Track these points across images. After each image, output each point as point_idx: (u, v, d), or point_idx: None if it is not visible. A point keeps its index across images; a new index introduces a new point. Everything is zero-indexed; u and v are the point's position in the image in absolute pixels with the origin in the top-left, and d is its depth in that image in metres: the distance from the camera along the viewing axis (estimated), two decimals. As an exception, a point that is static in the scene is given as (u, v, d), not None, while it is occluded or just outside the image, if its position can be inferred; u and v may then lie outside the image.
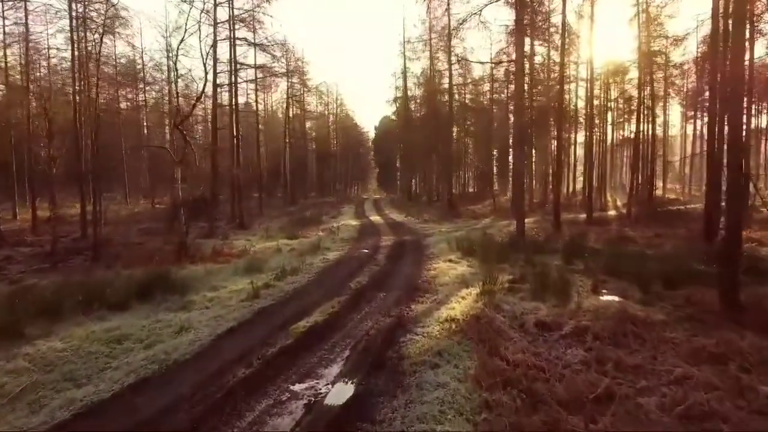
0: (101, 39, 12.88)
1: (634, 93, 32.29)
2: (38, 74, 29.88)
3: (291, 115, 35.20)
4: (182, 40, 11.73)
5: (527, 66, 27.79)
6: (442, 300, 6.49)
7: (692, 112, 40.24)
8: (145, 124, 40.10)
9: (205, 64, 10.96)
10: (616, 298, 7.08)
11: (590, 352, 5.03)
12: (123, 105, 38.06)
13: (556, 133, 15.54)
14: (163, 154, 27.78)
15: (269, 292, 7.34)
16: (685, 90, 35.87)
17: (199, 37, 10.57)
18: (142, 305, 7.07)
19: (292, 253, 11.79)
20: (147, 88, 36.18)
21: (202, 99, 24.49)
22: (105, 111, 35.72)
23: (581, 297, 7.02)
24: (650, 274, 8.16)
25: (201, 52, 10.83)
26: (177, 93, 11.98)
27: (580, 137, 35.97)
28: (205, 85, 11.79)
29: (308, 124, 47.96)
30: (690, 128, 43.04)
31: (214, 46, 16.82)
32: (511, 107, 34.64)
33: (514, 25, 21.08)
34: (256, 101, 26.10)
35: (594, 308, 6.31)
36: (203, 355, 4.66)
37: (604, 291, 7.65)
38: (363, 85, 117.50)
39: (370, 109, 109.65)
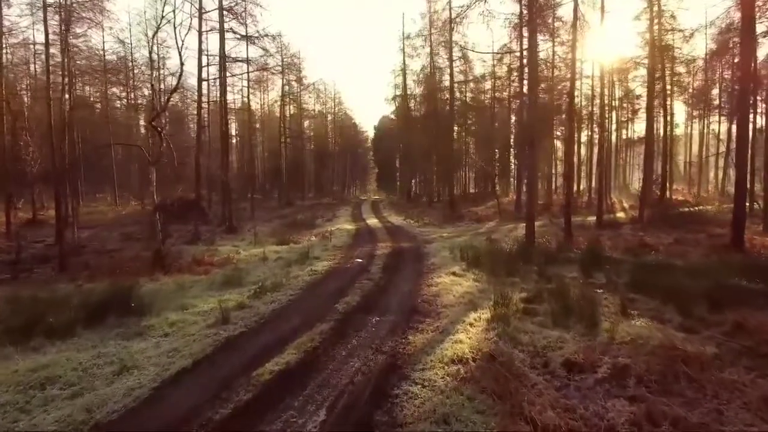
0: (67, 26, 11.72)
1: (640, 91, 31.41)
2: (29, 70, 28.79)
3: (287, 113, 34.08)
4: (158, 28, 10.65)
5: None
6: (446, 327, 5.39)
7: (697, 111, 39.17)
8: (141, 123, 39.07)
9: (180, 54, 9.88)
10: (652, 324, 5.98)
11: (637, 405, 3.93)
12: (117, 104, 37.05)
13: (567, 132, 14.42)
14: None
15: (242, 314, 6.23)
16: (691, 88, 34.73)
17: (174, 24, 9.50)
18: (92, 331, 5.97)
19: (278, 263, 10.68)
20: (140, 85, 35.13)
21: (194, 96, 23.40)
22: (88, 108, 34.78)
23: (610, 321, 5.93)
24: (685, 291, 7.07)
25: (176, 40, 9.74)
26: (152, 86, 10.87)
27: (583, 137, 35.01)
28: (180, 76, 10.71)
29: (306, 123, 46.89)
30: (696, 127, 41.88)
31: (199, 37, 15.73)
32: (514, 106, 33.65)
33: (525, 12, 20.03)
34: (248, 98, 24.95)
35: (630, 339, 5.21)
36: (134, 414, 3.55)
37: (634, 313, 6.54)
38: (362, 85, 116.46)
39: (370, 108, 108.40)
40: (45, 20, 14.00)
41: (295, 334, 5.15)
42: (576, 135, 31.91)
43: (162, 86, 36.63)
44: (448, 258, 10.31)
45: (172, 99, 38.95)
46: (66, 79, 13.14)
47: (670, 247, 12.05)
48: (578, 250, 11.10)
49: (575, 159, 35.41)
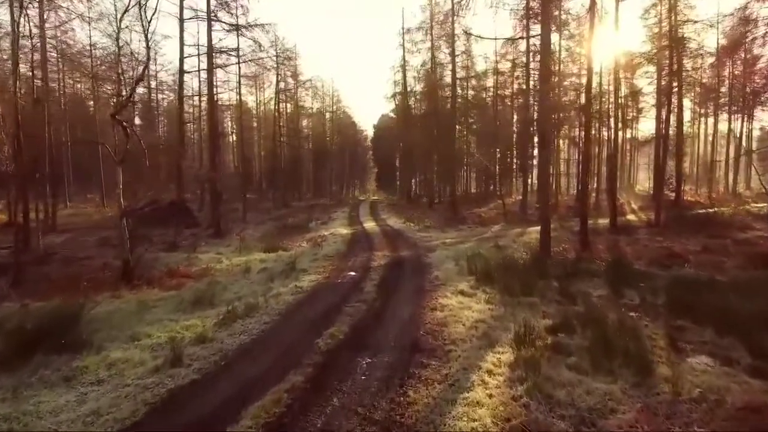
0: (21, 7, 10.46)
1: (649, 89, 30.25)
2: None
3: (281, 111, 32.79)
4: (126, 10, 9.40)
5: (535, 59, 25.57)
6: (457, 377, 4.14)
7: (703, 110, 37.96)
8: (137, 121, 37.76)
9: (147, 39, 8.57)
10: (715, 364, 4.75)
11: None
12: (112, 102, 35.69)
13: (584, 129, 13.18)
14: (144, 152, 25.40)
15: (201, 352, 4.99)
16: (698, 85, 33.43)
17: (140, 3, 8.22)
18: (9, 374, 4.73)
19: (261, 276, 9.45)
20: (131, 82, 33.75)
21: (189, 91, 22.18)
22: (80, 105, 33.47)
23: (665, 363, 4.69)
24: (741, 316, 5.85)
25: (141, 21, 8.45)
26: (119, 75, 9.56)
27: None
28: (147, 64, 9.44)
29: (304, 122, 45.62)
30: (702, 126, 40.51)
31: (180, 25, 14.48)
32: (516, 104, 32.42)
33: (533, 3, 18.79)
34: (239, 93, 23.67)
35: (699, 394, 3.96)
36: None
37: (688, 347, 5.32)
38: (361, 83, 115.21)
39: (369, 107, 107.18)
40: (11, 4, 12.74)
41: (259, 389, 3.90)
42: (588, 133, 30.66)
43: (154, 83, 35.44)
44: (453, 270, 9.06)
45: (166, 95, 37.55)
46: (27, 70, 11.83)
47: (699, 256, 10.82)
48: (600, 261, 9.88)
49: (580, 158, 34.32)
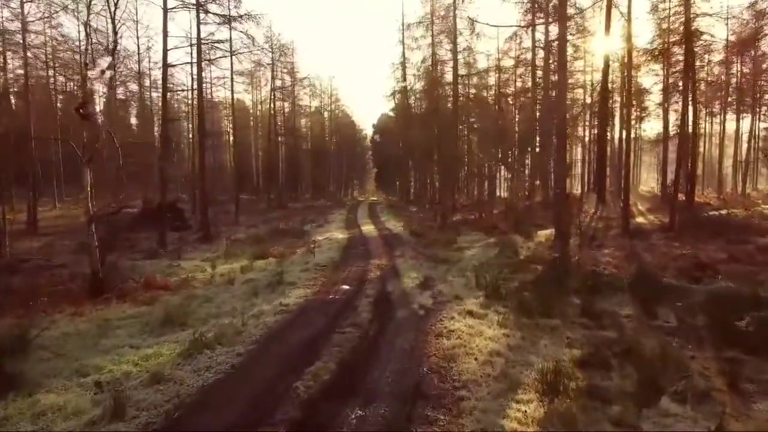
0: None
1: (657, 87, 29.42)
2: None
3: (277, 109, 31.81)
4: (97, -6, 8.46)
5: (537, 58, 24.73)
6: (473, 442, 3.19)
7: (708, 108, 37.00)
8: (133, 120, 36.90)
9: (114, 23, 7.52)
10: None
11: None
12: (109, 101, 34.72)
13: (598, 127, 12.23)
14: (141, 150, 24.44)
15: (152, 397, 4.02)
16: (704, 84, 32.43)
17: (107, -19, 7.30)
18: None
19: (245, 288, 8.49)
20: (126, 80, 32.72)
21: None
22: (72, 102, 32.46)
23: (733, 415, 3.75)
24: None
25: (108, 4, 7.46)
26: (86, 66, 8.61)
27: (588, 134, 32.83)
28: (114, 51, 8.44)
29: (303, 122, 44.69)
30: (707, 125, 39.43)
31: (164, 15, 13.51)
32: (519, 102, 31.47)
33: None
34: (232, 89, 22.72)
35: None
36: None
37: (751, 388, 4.38)
38: (361, 83, 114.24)
39: (369, 107, 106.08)
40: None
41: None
42: (603, 131, 29.69)
43: (149, 81, 34.44)
44: (459, 284, 8.11)
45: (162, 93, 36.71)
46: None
47: (728, 266, 9.85)
48: (621, 272, 8.93)
49: (584, 157, 33.47)
